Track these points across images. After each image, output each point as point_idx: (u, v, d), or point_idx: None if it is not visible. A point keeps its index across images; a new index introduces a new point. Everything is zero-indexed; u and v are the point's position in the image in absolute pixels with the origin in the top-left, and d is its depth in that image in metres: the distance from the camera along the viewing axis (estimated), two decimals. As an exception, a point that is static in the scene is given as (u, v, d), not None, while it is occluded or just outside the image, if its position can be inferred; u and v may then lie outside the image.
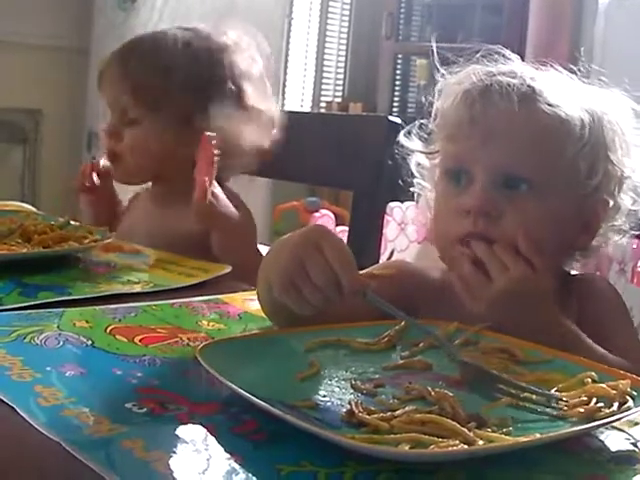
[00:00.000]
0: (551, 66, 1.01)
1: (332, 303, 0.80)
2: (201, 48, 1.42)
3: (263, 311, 0.92)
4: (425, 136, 1.06)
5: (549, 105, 0.94)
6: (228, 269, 1.18)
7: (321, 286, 0.78)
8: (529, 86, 0.95)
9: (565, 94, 0.97)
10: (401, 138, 1.07)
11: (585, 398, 0.70)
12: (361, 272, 0.87)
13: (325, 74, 4.42)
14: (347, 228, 1.56)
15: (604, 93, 1.00)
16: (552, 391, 0.73)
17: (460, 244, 0.94)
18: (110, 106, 1.44)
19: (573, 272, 1.06)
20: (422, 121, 1.05)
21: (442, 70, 1.02)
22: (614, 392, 0.70)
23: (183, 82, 1.39)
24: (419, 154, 1.07)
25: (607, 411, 0.67)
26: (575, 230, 0.99)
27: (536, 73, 0.99)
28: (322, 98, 4.41)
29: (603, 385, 0.72)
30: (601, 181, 0.97)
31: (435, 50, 1.03)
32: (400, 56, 4.25)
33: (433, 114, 1.03)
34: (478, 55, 1.00)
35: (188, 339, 0.87)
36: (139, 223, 1.49)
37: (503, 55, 1.00)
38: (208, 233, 1.35)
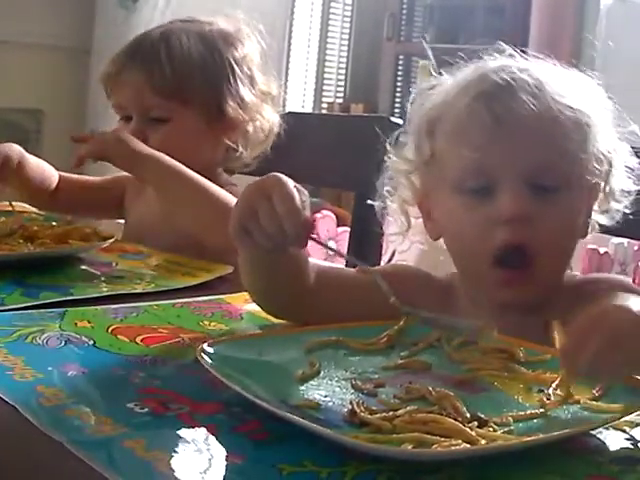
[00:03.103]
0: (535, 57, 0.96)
1: (284, 250, 0.87)
2: (212, 36, 1.42)
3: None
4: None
5: (559, 97, 0.90)
6: (230, 269, 1.18)
7: (269, 232, 0.82)
8: (537, 79, 0.91)
9: (564, 83, 0.93)
10: (390, 148, 1.03)
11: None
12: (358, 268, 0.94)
13: (326, 75, 4.40)
14: (349, 229, 1.56)
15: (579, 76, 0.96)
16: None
17: (494, 263, 0.90)
18: (127, 108, 1.40)
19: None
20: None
21: (433, 72, 0.98)
22: None
23: (205, 71, 1.38)
24: (396, 161, 1.02)
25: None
26: (585, 224, 0.96)
27: (529, 64, 0.94)
28: (323, 99, 4.40)
29: None
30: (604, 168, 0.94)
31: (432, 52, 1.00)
32: (402, 57, 4.23)
33: (424, 118, 0.97)
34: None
35: (190, 339, 0.87)
36: (150, 219, 1.42)
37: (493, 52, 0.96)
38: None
